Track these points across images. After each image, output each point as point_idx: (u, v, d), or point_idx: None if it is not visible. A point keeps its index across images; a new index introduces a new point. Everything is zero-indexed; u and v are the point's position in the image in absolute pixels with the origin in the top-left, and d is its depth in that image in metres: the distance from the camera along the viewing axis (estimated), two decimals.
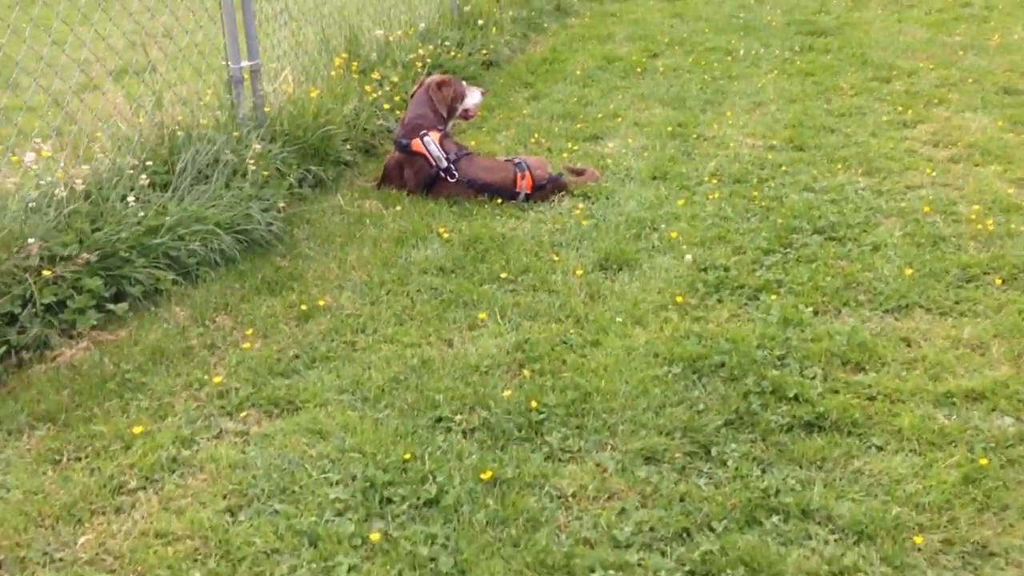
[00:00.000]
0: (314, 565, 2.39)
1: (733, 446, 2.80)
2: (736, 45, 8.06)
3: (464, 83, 5.41)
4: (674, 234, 4.27)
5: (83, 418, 3.05)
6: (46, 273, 3.51)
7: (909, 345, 3.34)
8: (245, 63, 4.91)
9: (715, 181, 4.97)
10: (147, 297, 3.80)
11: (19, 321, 3.41)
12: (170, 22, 4.74)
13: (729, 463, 2.74)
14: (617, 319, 3.56)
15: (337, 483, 2.69)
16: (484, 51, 7.46)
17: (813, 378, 3.13)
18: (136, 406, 3.12)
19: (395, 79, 6.18)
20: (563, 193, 4.88)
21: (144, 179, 4.16)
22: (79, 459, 2.86)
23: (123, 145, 4.41)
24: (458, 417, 2.99)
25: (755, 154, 5.39)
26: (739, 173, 5.06)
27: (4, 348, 3.33)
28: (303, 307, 3.72)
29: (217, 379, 3.23)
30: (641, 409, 3.00)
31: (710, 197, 4.74)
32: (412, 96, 5.23)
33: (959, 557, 2.38)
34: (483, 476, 2.67)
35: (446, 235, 4.36)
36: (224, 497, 2.66)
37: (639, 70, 7.41)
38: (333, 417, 3.02)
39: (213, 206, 4.24)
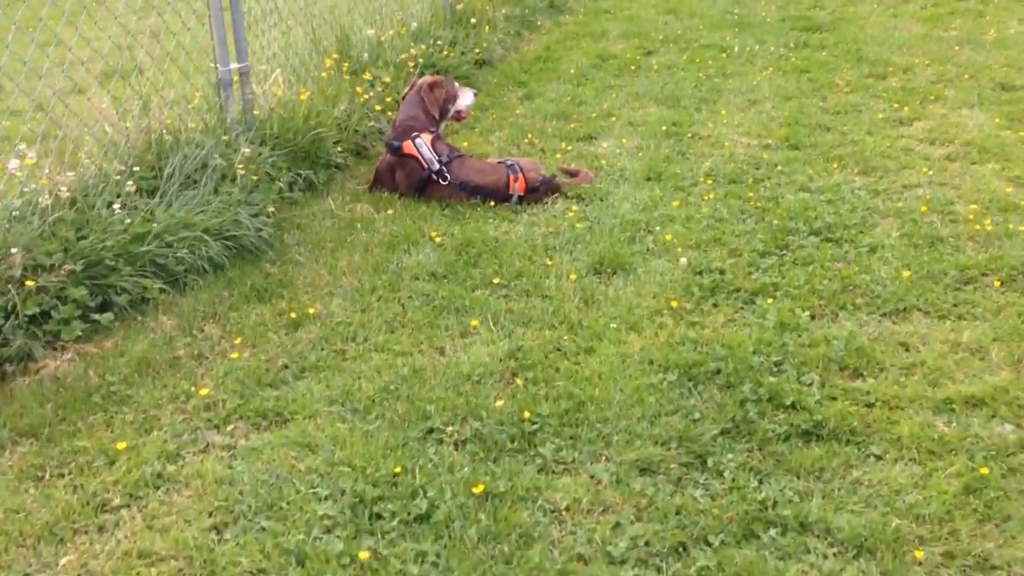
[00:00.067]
0: None
1: (730, 456, 2.75)
2: (731, 42, 8.01)
3: (456, 84, 5.35)
4: (669, 236, 4.22)
5: (67, 433, 2.99)
6: (29, 283, 3.44)
7: (907, 350, 3.28)
8: (234, 65, 4.84)
9: (710, 181, 4.92)
10: (134, 306, 3.73)
11: (2, 333, 3.34)
12: (157, 24, 4.66)
13: (726, 474, 2.68)
14: (611, 325, 3.51)
15: (326, 498, 2.64)
16: (477, 50, 7.40)
17: (810, 385, 3.08)
18: (121, 420, 3.06)
19: (387, 79, 6.11)
20: (557, 195, 4.82)
21: (131, 185, 4.10)
22: (62, 476, 2.80)
23: (109, 150, 4.34)
24: (450, 428, 2.93)
25: (750, 153, 5.34)
26: (734, 173, 5.01)
27: None
28: (293, 315, 3.66)
29: (204, 391, 3.17)
30: (636, 418, 2.94)
31: (705, 198, 4.68)
32: (403, 97, 5.17)
33: (961, 571, 2.34)
34: (475, 490, 2.62)
35: (438, 239, 4.31)
36: (210, 514, 2.61)
37: (633, 68, 7.35)
38: (322, 429, 2.96)
39: (201, 212, 4.17)
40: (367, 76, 6.03)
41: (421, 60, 6.55)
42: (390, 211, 4.69)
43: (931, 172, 4.89)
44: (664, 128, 5.80)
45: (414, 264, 4.08)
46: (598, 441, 2.86)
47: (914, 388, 3.02)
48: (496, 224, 4.51)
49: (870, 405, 2.96)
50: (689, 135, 5.71)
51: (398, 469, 2.72)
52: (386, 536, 2.49)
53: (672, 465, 2.74)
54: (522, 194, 4.75)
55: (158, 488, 2.73)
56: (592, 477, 2.71)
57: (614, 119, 6.08)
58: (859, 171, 4.97)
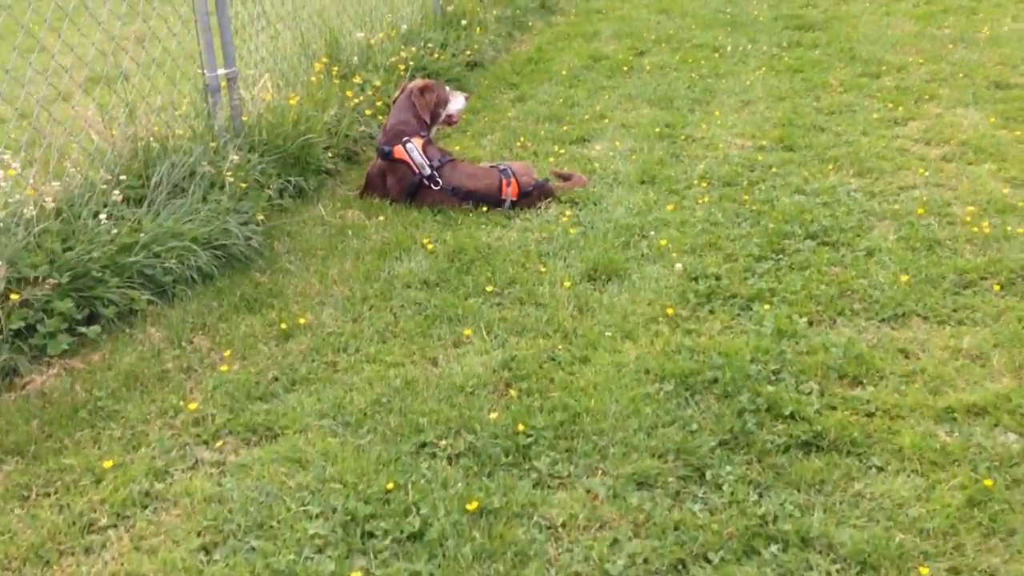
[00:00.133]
0: None
1: (728, 468, 2.70)
2: (723, 41, 7.96)
3: (447, 88, 5.29)
4: (663, 241, 4.16)
5: (53, 450, 2.93)
6: (14, 297, 3.38)
7: (907, 357, 3.24)
8: (221, 71, 4.78)
9: (704, 184, 4.87)
10: (121, 318, 3.67)
11: None
12: (142, 30, 4.59)
13: (725, 487, 2.63)
14: (606, 333, 3.46)
15: (317, 516, 2.58)
16: (468, 52, 7.34)
17: (809, 394, 3.03)
18: (108, 436, 3.00)
19: (377, 83, 6.05)
20: (550, 199, 4.77)
21: (117, 194, 4.03)
22: (48, 495, 2.74)
23: (95, 159, 4.28)
24: (443, 442, 2.88)
25: (744, 155, 5.29)
26: (729, 175, 4.96)
27: None
28: (283, 325, 3.60)
29: (193, 405, 3.11)
30: (632, 430, 2.89)
31: (700, 201, 4.63)
32: (394, 102, 5.12)
33: None
34: (469, 507, 2.56)
35: (430, 246, 4.25)
36: (198, 534, 2.55)
37: (626, 69, 7.30)
38: (313, 444, 2.91)
39: (189, 221, 4.11)
40: (357, 80, 5.97)
41: (412, 63, 6.50)
42: (381, 217, 4.63)
43: (927, 173, 4.85)
44: (657, 130, 5.75)
45: (406, 272, 4.02)
46: (594, 454, 2.81)
47: (915, 396, 2.98)
48: (489, 230, 4.45)
49: (870, 414, 2.91)
50: (683, 137, 5.66)
51: (390, 485, 2.67)
52: (379, 556, 2.44)
53: (670, 478, 2.69)
54: (515, 199, 4.70)
55: (146, 507, 2.67)
56: (588, 492, 2.66)
57: (607, 121, 6.03)
58: (854, 172, 4.93)
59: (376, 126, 5.63)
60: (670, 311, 3.59)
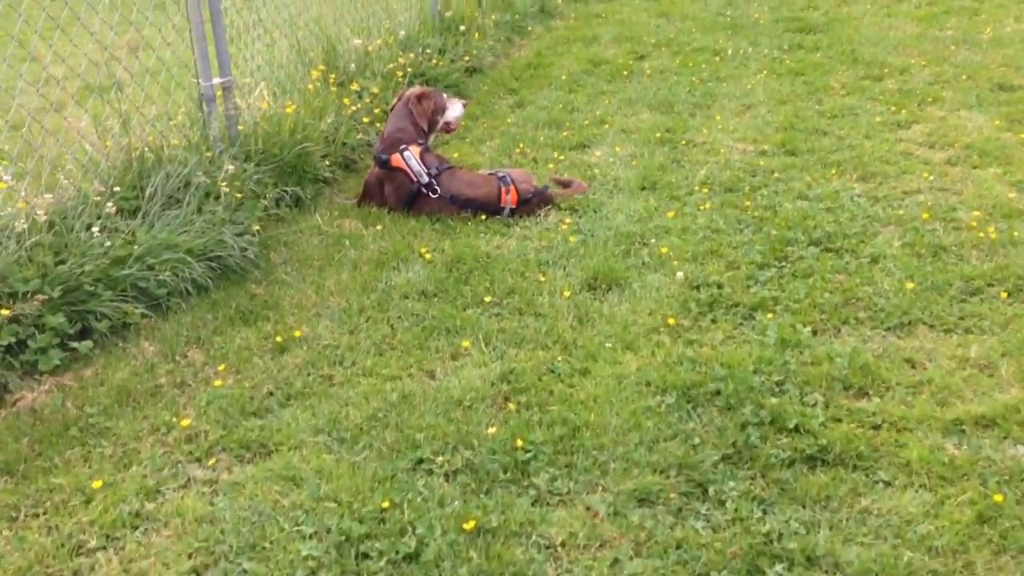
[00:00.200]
0: None
1: (732, 484, 2.64)
2: (724, 45, 7.91)
3: (445, 95, 5.24)
4: (664, 249, 4.10)
5: (43, 469, 2.88)
6: (5, 312, 3.33)
7: (914, 367, 3.17)
8: (216, 80, 4.73)
9: (706, 190, 4.81)
10: (114, 332, 3.62)
11: None
12: (135, 39, 4.54)
13: (728, 504, 2.57)
14: (607, 344, 3.40)
15: (311, 537, 2.52)
16: (467, 57, 7.29)
17: (814, 405, 2.97)
18: (99, 454, 2.94)
19: (375, 90, 6.00)
20: (550, 207, 4.71)
21: (111, 206, 3.98)
22: (36, 516, 2.68)
23: (89, 170, 4.23)
24: (440, 458, 2.82)
25: (746, 160, 5.23)
26: (730, 181, 4.90)
27: None
28: (278, 338, 3.55)
29: (186, 421, 3.06)
30: (633, 444, 2.83)
31: (701, 208, 4.57)
32: (391, 109, 5.06)
33: None
34: (466, 526, 2.50)
35: (428, 256, 4.19)
36: (189, 556, 2.49)
37: (625, 73, 7.24)
38: (308, 461, 2.85)
39: (184, 232, 4.06)
40: (355, 87, 5.92)
41: (410, 69, 6.44)
42: (379, 226, 4.57)
43: (932, 177, 4.78)
44: (658, 135, 5.69)
45: (403, 282, 3.96)
46: (594, 470, 2.75)
47: (922, 408, 2.91)
48: (488, 238, 4.40)
49: (877, 427, 2.85)
50: (683, 142, 5.60)
51: (386, 504, 2.61)
52: None
53: (672, 495, 2.63)
54: (514, 206, 4.64)
55: (136, 528, 2.62)
56: (588, 509, 2.60)
57: (607, 126, 5.98)
58: (858, 177, 4.87)
59: (374, 134, 5.58)
60: (671, 321, 3.53)
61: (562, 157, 5.45)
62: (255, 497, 2.70)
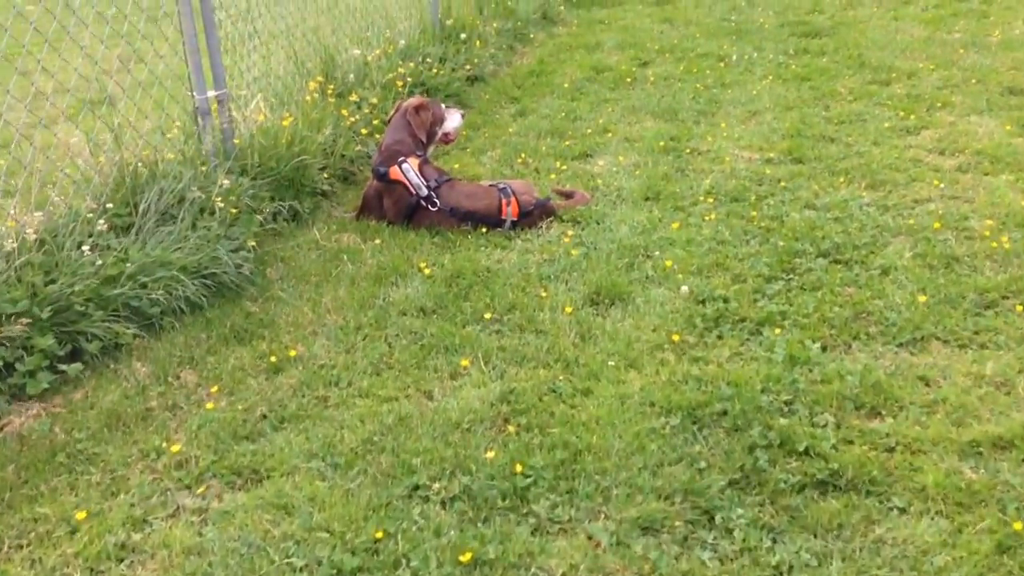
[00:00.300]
0: None
1: (739, 511, 2.54)
2: (728, 50, 7.81)
3: (443, 105, 5.15)
4: (669, 262, 4.00)
5: (28, 497, 2.79)
6: None
7: (928, 385, 3.07)
8: (211, 92, 4.65)
9: (711, 200, 4.71)
10: (106, 353, 3.53)
11: None
12: (127, 53, 4.46)
13: (735, 532, 2.47)
14: (609, 362, 3.30)
15: (301, 570, 2.43)
16: (468, 66, 7.20)
17: (824, 426, 2.86)
18: (86, 481, 2.85)
19: (374, 100, 5.91)
20: (551, 219, 4.61)
21: (103, 223, 3.90)
22: (20, 547, 2.60)
23: (81, 187, 4.15)
24: (436, 484, 2.72)
25: (752, 168, 5.13)
26: (736, 190, 4.80)
27: None
28: (273, 358, 3.46)
29: (176, 447, 2.97)
30: (637, 469, 2.73)
31: (706, 218, 4.47)
32: (389, 121, 4.98)
33: None
34: (462, 558, 2.41)
35: (427, 270, 4.10)
36: None
37: (629, 80, 7.15)
38: (300, 488, 2.75)
39: (178, 249, 3.97)
40: (354, 98, 5.83)
41: (410, 79, 6.36)
42: (378, 240, 4.49)
43: (942, 185, 4.67)
44: (662, 143, 5.60)
45: (402, 298, 3.87)
46: (596, 496, 2.65)
47: (937, 429, 2.80)
48: (488, 252, 4.30)
49: (890, 449, 2.74)
50: (688, 150, 5.50)
51: (380, 534, 2.51)
52: None
53: (677, 523, 2.53)
54: (515, 219, 4.55)
55: (121, 560, 2.53)
56: (590, 538, 2.50)
57: (610, 135, 5.88)
58: (866, 185, 4.76)
59: (373, 145, 5.49)
60: (676, 337, 3.43)
61: (564, 167, 5.35)
62: (245, 527, 2.61)
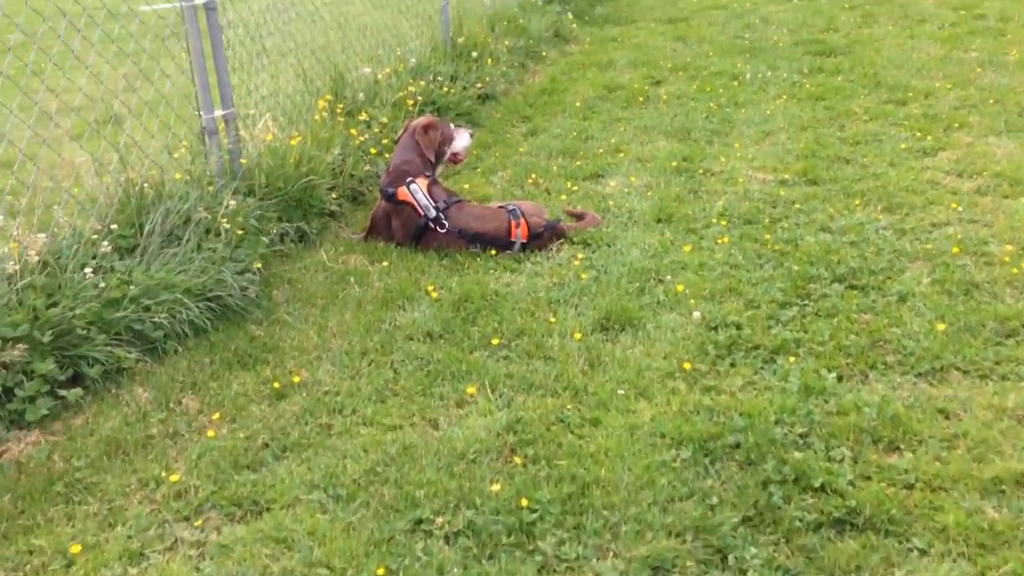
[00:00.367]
0: None
1: (753, 551, 2.45)
2: (742, 69, 7.74)
3: (452, 124, 5.10)
4: (680, 287, 3.93)
5: (24, 528, 2.74)
6: None
7: (948, 418, 2.97)
8: (218, 112, 4.61)
9: (724, 223, 4.63)
10: (107, 378, 3.48)
11: None
12: (133, 72, 4.43)
13: (749, 573, 2.39)
14: (619, 391, 3.22)
15: None
16: (479, 84, 7.16)
17: (841, 461, 2.77)
18: (84, 512, 2.79)
19: (384, 119, 5.87)
20: (562, 241, 4.54)
21: (106, 245, 3.86)
22: None
23: (86, 207, 4.11)
24: (440, 519, 2.65)
25: (766, 190, 5.05)
26: (749, 213, 4.72)
27: None
28: (276, 384, 3.40)
29: (175, 476, 2.90)
30: (646, 504, 2.65)
31: (719, 241, 4.39)
32: (397, 141, 4.93)
33: None
34: None
35: (435, 294, 4.04)
36: None
37: (641, 99, 7.09)
38: (301, 521, 2.68)
39: (183, 271, 3.92)
40: (363, 117, 5.79)
41: (420, 97, 6.32)
42: (385, 262, 4.43)
43: (961, 208, 4.58)
44: (674, 164, 5.53)
45: (409, 322, 3.81)
46: (604, 532, 2.57)
47: (958, 465, 2.71)
48: (497, 275, 4.24)
49: (910, 486, 2.65)
50: (701, 171, 5.43)
51: (381, 571, 2.44)
52: None
53: (688, 562, 2.44)
54: (525, 241, 4.48)
55: None
56: None
57: (622, 155, 5.82)
58: (883, 208, 4.67)
59: (382, 164, 5.44)
60: (687, 365, 3.35)
61: (576, 188, 5.29)
62: (243, 562, 2.54)
